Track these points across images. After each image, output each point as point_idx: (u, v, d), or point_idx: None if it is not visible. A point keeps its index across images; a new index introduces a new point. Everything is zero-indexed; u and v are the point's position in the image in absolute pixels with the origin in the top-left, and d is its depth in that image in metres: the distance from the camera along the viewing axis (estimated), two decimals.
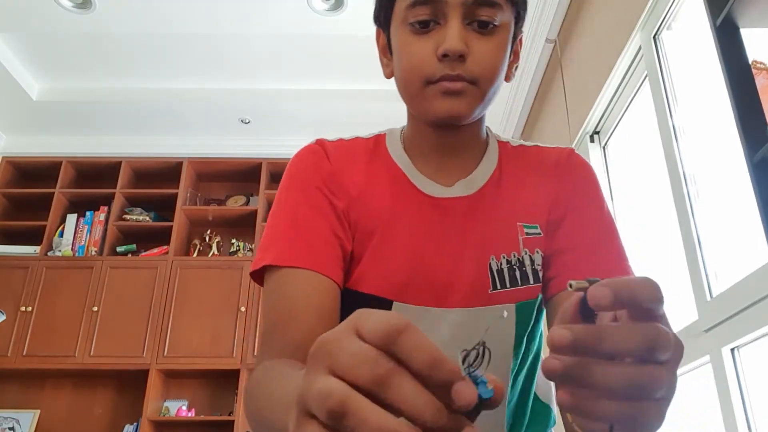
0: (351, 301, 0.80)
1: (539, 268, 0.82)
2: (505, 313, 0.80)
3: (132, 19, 3.32)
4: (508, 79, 0.80)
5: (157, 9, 3.25)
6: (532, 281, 0.81)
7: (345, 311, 0.82)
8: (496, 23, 0.74)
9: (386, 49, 0.83)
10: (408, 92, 0.79)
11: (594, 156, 2.58)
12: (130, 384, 3.91)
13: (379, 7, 0.82)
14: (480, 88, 0.74)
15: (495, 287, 0.80)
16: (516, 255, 0.81)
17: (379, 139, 0.88)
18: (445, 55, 0.72)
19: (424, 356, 0.32)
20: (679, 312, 1.76)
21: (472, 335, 0.78)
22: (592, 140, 2.61)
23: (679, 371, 1.37)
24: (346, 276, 0.80)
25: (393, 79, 0.83)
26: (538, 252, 0.82)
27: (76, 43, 3.57)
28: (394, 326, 0.32)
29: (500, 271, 0.80)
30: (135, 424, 3.79)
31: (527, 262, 0.81)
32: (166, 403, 3.86)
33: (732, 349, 1.51)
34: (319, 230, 0.77)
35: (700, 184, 1.76)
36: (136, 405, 3.79)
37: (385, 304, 0.79)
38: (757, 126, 1.27)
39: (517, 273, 0.81)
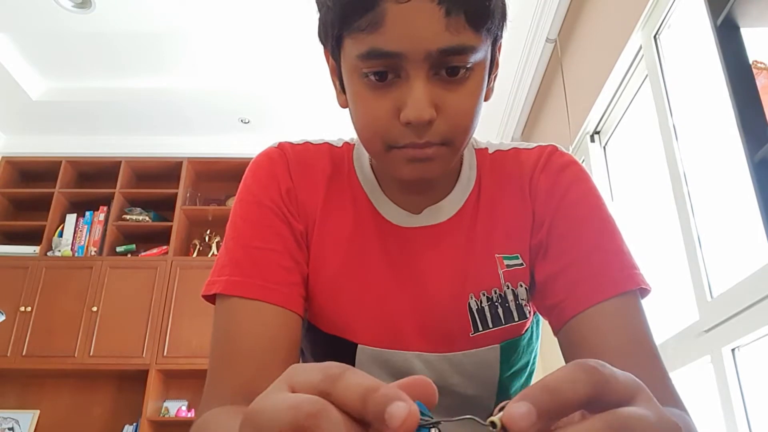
0: (315, 338, 0.74)
1: (524, 303, 0.73)
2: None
3: (131, 18, 3.32)
4: (487, 98, 0.67)
5: (156, 9, 3.24)
6: (516, 318, 0.72)
7: (310, 347, 0.77)
8: (468, 66, 0.60)
9: (336, 72, 0.68)
10: (369, 150, 0.67)
11: (594, 156, 2.58)
12: (129, 384, 3.90)
13: (324, 35, 0.66)
14: (453, 146, 0.63)
15: (477, 329, 0.71)
16: (497, 291, 0.72)
17: (347, 151, 0.78)
18: (409, 123, 0.59)
19: (357, 390, 0.28)
20: (680, 312, 1.76)
21: (455, 384, 0.72)
22: (592, 140, 2.61)
23: (678, 373, 1.35)
24: (306, 305, 0.73)
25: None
26: (521, 285, 0.72)
27: (75, 43, 3.56)
28: (330, 375, 0.29)
29: (481, 311, 0.71)
30: (134, 424, 3.78)
31: (510, 297, 0.72)
32: (165, 404, 3.85)
33: (732, 350, 1.50)
34: (275, 255, 0.69)
35: (701, 184, 1.75)
36: (136, 405, 3.79)
37: (348, 347, 0.72)
38: (758, 126, 1.27)
39: (500, 310, 0.72)
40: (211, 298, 0.70)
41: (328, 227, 0.73)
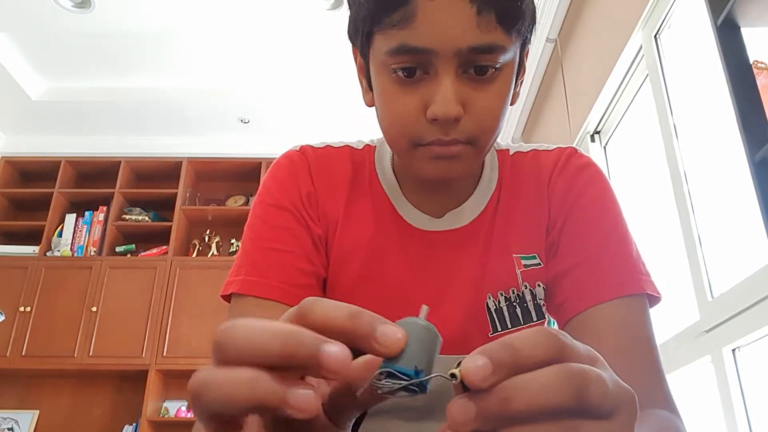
0: None
1: (542, 302, 0.73)
2: None
3: (131, 18, 3.32)
4: (513, 102, 0.67)
5: (156, 9, 3.24)
6: (535, 318, 0.73)
7: None
8: (497, 66, 0.60)
9: (364, 71, 0.68)
10: (394, 147, 0.67)
11: (595, 156, 2.58)
12: (129, 384, 3.90)
13: (354, 32, 0.66)
14: (478, 146, 0.63)
15: (495, 329, 0.72)
16: (515, 291, 0.72)
17: (367, 153, 0.77)
18: (435, 119, 0.59)
19: (341, 312, 0.31)
20: (680, 312, 1.76)
21: None
22: (593, 140, 2.61)
23: (678, 373, 1.34)
24: None
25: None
26: (539, 285, 0.72)
27: (75, 43, 3.57)
28: (303, 303, 0.32)
29: (499, 311, 0.72)
30: (134, 424, 3.79)
31: (528, 297, 0.72)
32: (165, 404, 3.86)
33: (733, 350, 1.50)
34: (293, 258, 0.69)
35: (701, 183, 1.75)
36: (136, 405, 3.79)
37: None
38: (758, 126, 1.27)
39: (518, 310, 0.72)
40: (229, 299, 0.70)
41: (349, 231, 0.73)
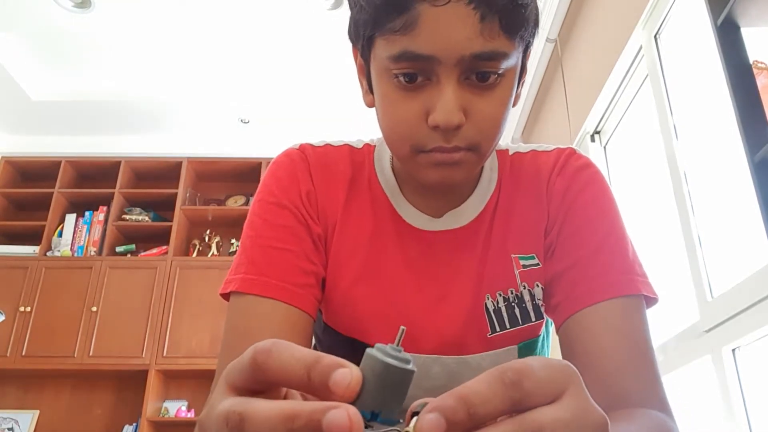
0: (331, 339, 0.75)
1: (540, 302, 0.73)
2: None
3: (131, 18, 3.32)
4: (515, 104, 0.66)
5: (156, 8, 3.24)
6: (533, 318, 0.73)
7: (325, 348, 0.77)
8: (500, 72, 0.59)
9: (364, 72, 0.67)
10: (395, 152, 0.67)
11: (595, 156, 2.57)
12: (129, 384, 3.90)
13: (355, 34, 0.65)
14: (480, 152, 0.62)
15: (494, 330, 0.72)
16: (513, 291, 0.72)
17: (367, 153, 0.77)
18: (437, 126, 0.59)
19: (298, 367, 0.29)
20: (680, 312, 1.76)
21: None
22: (592, 140, 2.61)
23: (678, 373, 1.33)
24: (322, 307, 0.74)
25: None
26: (538, 285, 0.72)
27: (75, 43, 3.56)
28: (257, 353, 0.30)
29: (497, 311, 0.72)
30: (134, 424, 3.79)
31: (527, 297, 0.72)
32: (165, 404, 3.86)
33: (733, 350, 1.50)
34: (292, 256, 0.69)
35: (701, 183, 1.75)
36: (136, 405, 3.79)
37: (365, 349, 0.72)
38: (758, 126, 1.27)
39: (517, 311, 0.72)
40: (228, 297, 0.70)
41: (348, 230, 0.73)
